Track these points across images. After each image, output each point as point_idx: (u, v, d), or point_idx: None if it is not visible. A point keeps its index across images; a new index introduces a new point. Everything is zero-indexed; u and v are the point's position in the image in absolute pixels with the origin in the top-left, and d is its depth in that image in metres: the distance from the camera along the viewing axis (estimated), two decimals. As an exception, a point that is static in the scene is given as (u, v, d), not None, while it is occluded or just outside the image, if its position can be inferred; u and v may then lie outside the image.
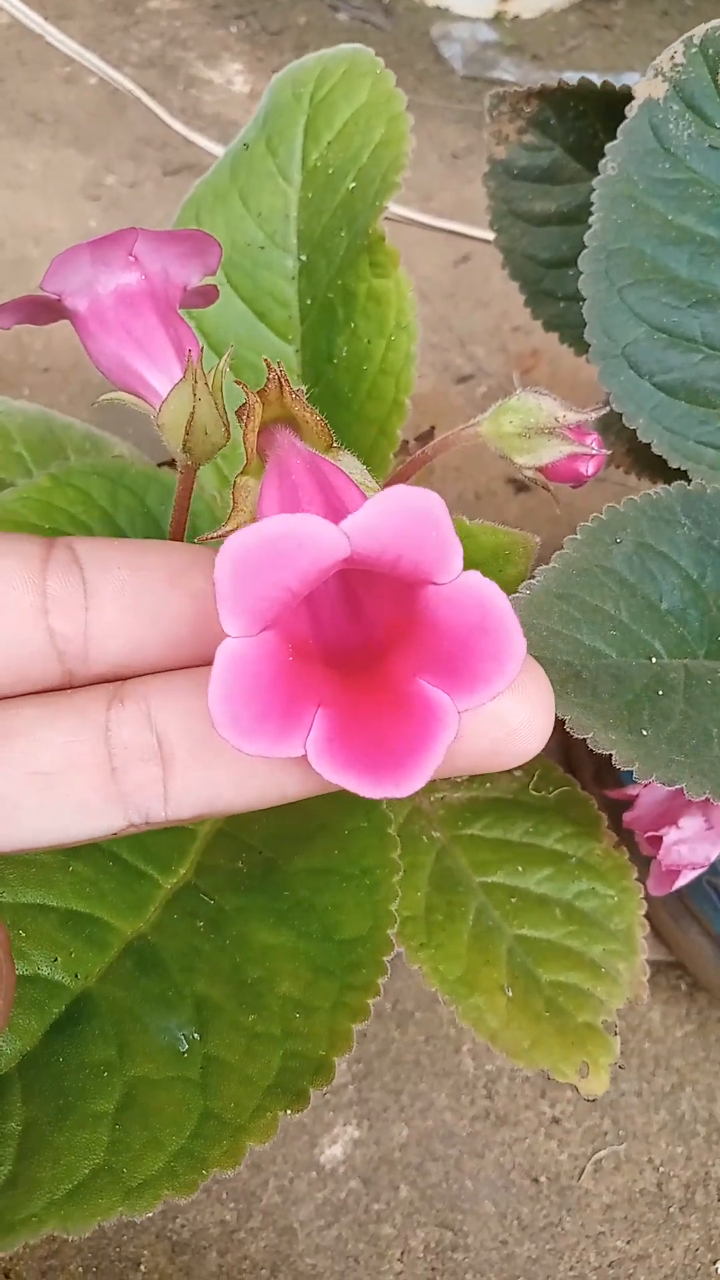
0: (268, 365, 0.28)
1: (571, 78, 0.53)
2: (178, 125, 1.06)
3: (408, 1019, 0.73)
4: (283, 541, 0.20)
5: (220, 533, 0.26)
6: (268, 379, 0.27)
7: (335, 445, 0.28)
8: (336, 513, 0.24)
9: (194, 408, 0.35)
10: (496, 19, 1.30)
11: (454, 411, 1.01)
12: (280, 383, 0.28)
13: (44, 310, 0.38)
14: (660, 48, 0.46)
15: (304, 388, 0.50)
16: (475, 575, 0.21)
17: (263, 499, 0.26)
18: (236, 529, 0.25)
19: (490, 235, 0.60)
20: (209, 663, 0.24)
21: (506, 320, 1.08)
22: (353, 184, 0.47)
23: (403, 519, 0.20)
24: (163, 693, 0.23)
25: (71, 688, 0.24)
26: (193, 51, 1.19)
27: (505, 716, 0.23)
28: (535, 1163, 0.70)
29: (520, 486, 0.97)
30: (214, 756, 0.23)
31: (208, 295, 0.40)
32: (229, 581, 0.20)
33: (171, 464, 0.60)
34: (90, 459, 0.49)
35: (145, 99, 1.05)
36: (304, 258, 0.49)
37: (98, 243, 0.36)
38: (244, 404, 0.27)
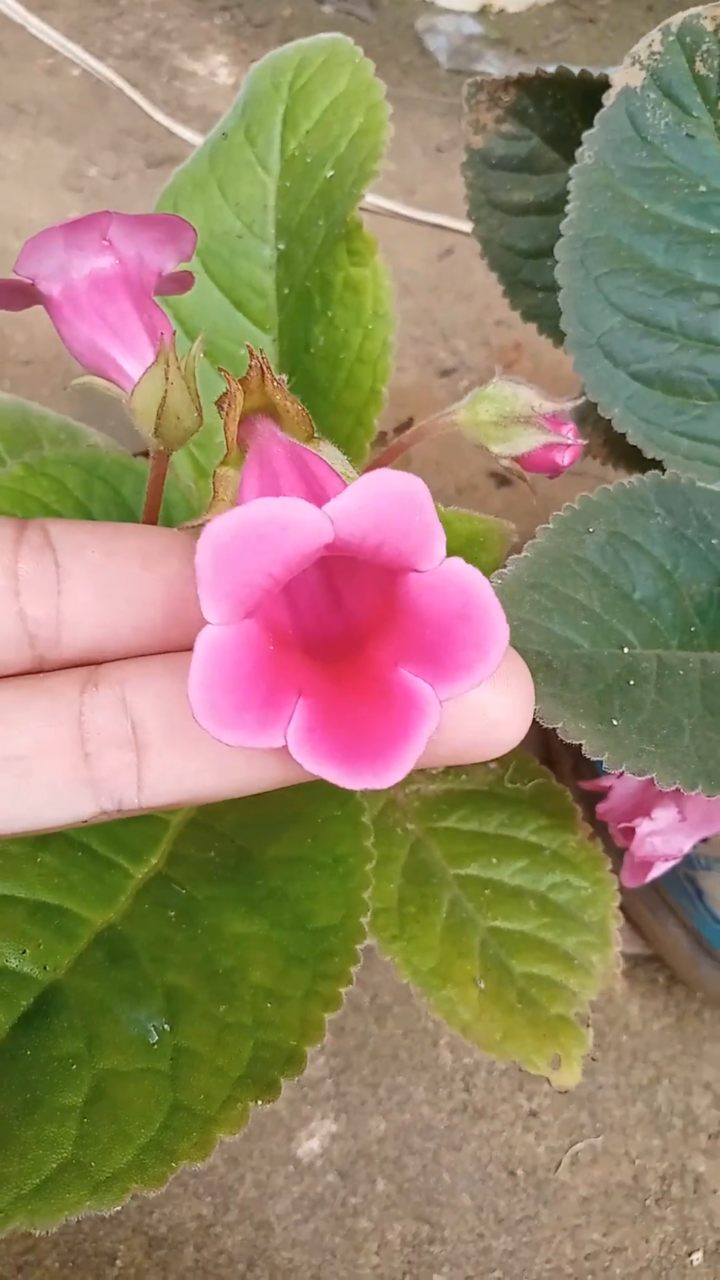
0: (250, 353, 0.27)
1: (550, 67, 0.53)
2: (161, 117, 1.06)
3: (386, 1013, 0.73)
4: (265, 525, 0.19)
5: (199, 522, 0.26)
6: (250, 367, 0.27)
7: (316, 435, 0.28)
8: (319, 500, 0.23)
9: (166, 391, 0.34)
10: (482, 12, 1.30)
11: (436, 405, 1.00)
12: (262, 371, 0.27)
13: (17, 295, 0.37)
14: (644, 42, 0.46)
15: (284, 377, 0.50)
16: (458, 562, 0.21)
17: (243, 487, 0.26)
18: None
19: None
20: (183, 648, 0.23)
21: (489, 313, 1.08)
22: (331, 172, 0.47)
23: (387, 503, 0.20)
24: (138, 677, 0.23)
25: (43, 672, 0.24)
26: (176, 43, 1.19)
27: (486, 707, 0.23)
28: (512, 1156, 0.70)
29: (502, 480, 0.97)
30: (191, 744, 0.23)
31: (183, 281, 0.40)
32: (210, 566, 0.19)
33: (148, 454, 0.59)
34: (66, 449, 0.48)
35: (128, 90, 1.04)
36: (282, 247, 0.49)
37: (71, 226, 0.35)
38: (225, 393, 0.27)
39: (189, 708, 0.20)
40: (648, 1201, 0.69)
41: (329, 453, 0.28)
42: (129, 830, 0.41)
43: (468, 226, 1.14)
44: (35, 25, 1.05)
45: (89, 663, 0.24)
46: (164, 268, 0.38)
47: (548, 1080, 0.74)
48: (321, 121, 0.48)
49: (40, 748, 0.22)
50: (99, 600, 0.23)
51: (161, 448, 0.36)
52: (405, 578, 0.21)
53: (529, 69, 0.53)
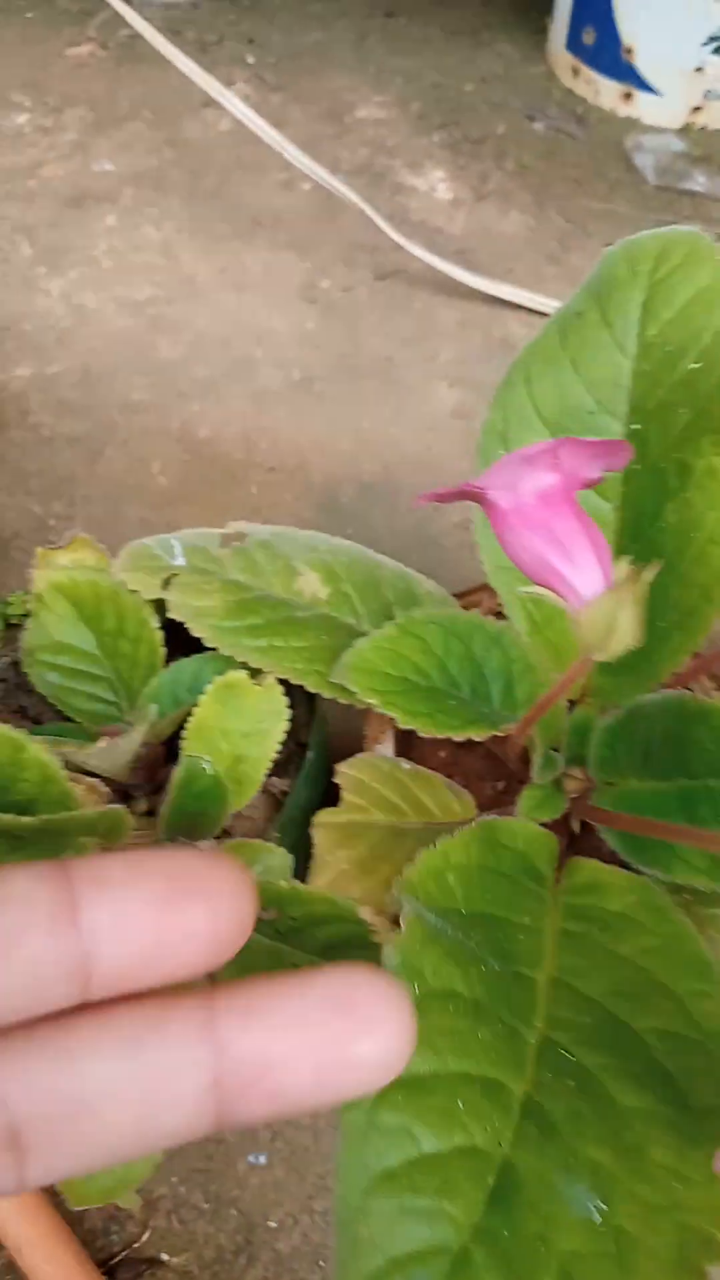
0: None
1: None
2: (389, 230, 1.11)
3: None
4: None
5: None
6: None
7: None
8: None
9: (618, 615, 0.37)
10: (685, 129, 1.33)
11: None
12: None
13: (458, 496, 0.41)
14: None
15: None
16: None
17: None
18: None
19: None
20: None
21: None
22: (696, 364, 0.50)
23: None
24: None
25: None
26: (398, 159, 1.24)
27: None
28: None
29: None
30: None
31: (594, 482, 0.43)
32: None
33: (463, 594, 0.63)
34: (427, 609, 0.52)
35: (360, 204, 1.10)
36: (636, 426, 0.52)
37: (530, 456, 0.39)
38: None
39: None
40: None
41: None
42: (506, 990, 0.43)
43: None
44: (277, 141, 1.12)
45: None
46: (591, 477, 0.41)
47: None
48: (684, 313, 0.51)
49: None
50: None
51: (597, 657, 0.39)
52: None
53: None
